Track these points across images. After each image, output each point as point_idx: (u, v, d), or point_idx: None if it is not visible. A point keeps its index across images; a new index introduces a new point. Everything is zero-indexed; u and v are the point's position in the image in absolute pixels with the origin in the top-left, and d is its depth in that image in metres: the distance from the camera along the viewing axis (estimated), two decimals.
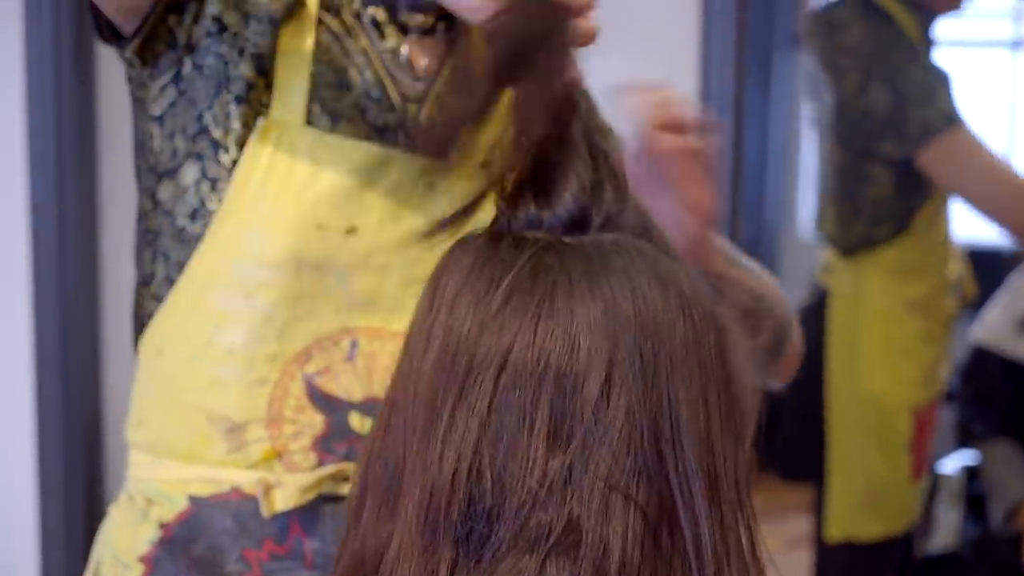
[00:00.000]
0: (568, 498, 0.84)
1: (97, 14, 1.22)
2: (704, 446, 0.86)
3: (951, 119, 2.52)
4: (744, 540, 0.88)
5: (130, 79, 1.26)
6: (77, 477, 2.54)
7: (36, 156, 2.48)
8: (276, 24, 1.21)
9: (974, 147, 2.55)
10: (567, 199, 0.91)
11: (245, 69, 1.21)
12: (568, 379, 0.84)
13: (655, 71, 2.46)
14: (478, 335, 0.86)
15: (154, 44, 1.22)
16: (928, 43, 2.63)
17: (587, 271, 0.87)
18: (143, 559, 1.24)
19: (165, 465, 1.24)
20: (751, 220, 4.88)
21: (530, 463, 0.84)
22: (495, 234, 0.91)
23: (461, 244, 0.93)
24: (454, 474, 0.85)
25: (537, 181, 0.92)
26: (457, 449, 0.85)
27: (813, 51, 2.72)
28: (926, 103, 2.52)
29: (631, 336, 0.85)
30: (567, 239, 0.90)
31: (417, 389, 0.88)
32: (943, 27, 2.71)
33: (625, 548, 0.83)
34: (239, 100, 1.21)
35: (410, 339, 0.91)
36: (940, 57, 2.67)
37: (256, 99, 1.21)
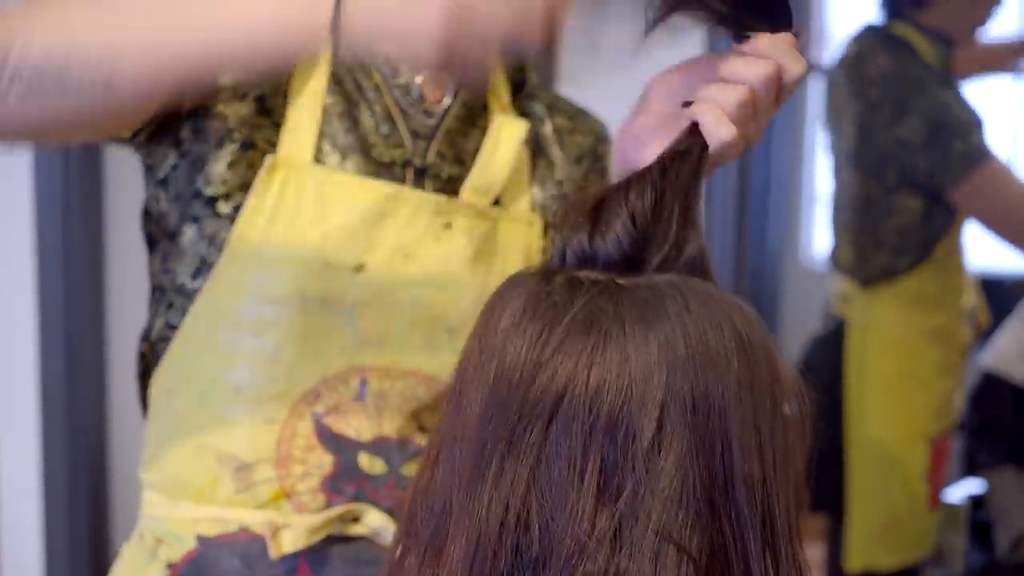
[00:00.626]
0: (618, 550, 0.82)
1: None
2: (758, 491, 0.85)
3: (986, 152, 2.53)
4: None
5: (142, 157, 1.26)
6: (82, 514, 2.54)
7: (42, 186, 2.48)
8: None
9: (1009, 180, 2.55)
10: (624, 237, 0.90)
11: (246, 112, 1.20)
12: (620, 427, 0.83)
13: None
14: (530, 380, 0.84)
15: (163, 123, 1.21)
16: (948, 72, 2.63)
17: (641, 317, 0.85)
18: None
19: (178, 505, 1.23)
20: (755, 248, 4.86)
21: (579, 514, 0.82)
22: (547, 273, 0.89)
23: (512, 282, 0.91)
24: (502, 524, 0.83)
25: (595, 218, 0.90)
26: (505, 498, 0.84)
27: (836, 83, 2.72)
28: (964, 135, 2.52)
29: (685, 383, 0.84)
30: (621, 281, 0.88)
31: (465, 432, 0.87)
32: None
33: None
34: (246, 146, 1.20)
35: (459, 378, 0.90)
36: (966, 88, 2.68)
37: (263, 140, 1.20)
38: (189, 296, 1.22)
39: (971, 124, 2.54)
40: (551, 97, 1.36)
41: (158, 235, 1.25)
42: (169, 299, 1.24)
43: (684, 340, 0.84)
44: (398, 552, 0.91)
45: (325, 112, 1.21)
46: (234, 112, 1.20)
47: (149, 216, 1.26)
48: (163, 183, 1.23)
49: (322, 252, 1.18)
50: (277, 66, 1.03)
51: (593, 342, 0.84)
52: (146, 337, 1.28)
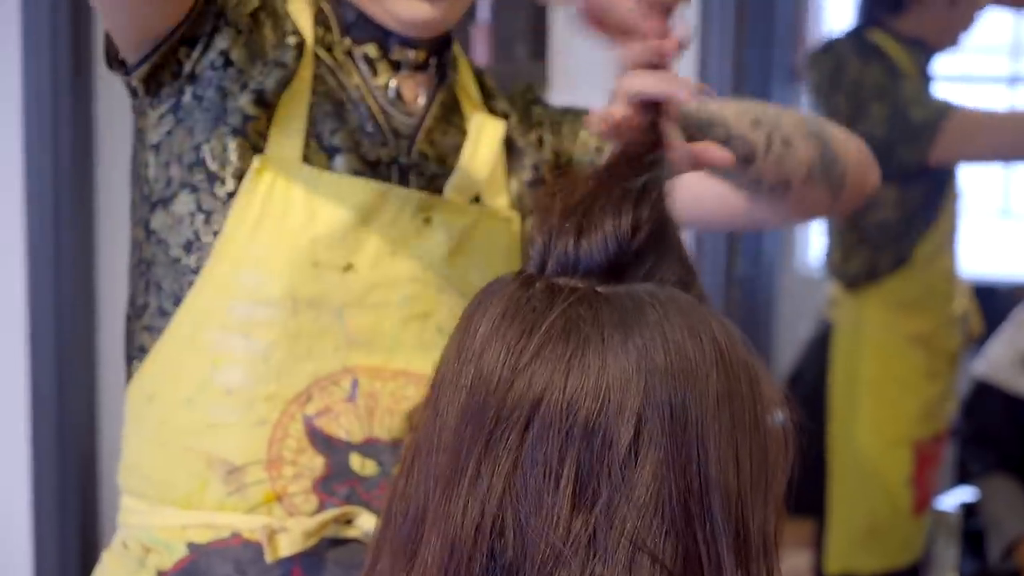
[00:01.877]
0: (592, 557, 0.82)
1: (108, 42, 1.22)
2: (733, 503, 0.84)
3: (948, 105, 2.58)
4: None
5: (133, 107, 1.26)
6: (71, 515, 2.53)
7: (33, 194, 2.47)
8: (284, 67, 1.22)
9: (978, 115, 2.61)
10: (605, 244, 0.89)
11: (245, 102, 1.20)
12: (597, 434, 0.83)
13: None
14: (508, 386, 0.84)
15: (160, 73, 1.21)
16: (926, 80, 2.65)
17: (621, 324, 0.85)
18: None
19: (161, 512, 1.22)
20: (749, 254, 4.86)
21: (554, 520, 0.82)
22: (527, 279, 0.89)
23: (492, 288, 0.91)
24: (477, 528, 0.83)
25: (577, 224, 0.89)
26: (481, 502, 0.83)
27: (810, 89, 2.75)
28: (921, 104, 2.58)
29: (663, 392, 0.83)
30: (601, 289, 0.88)
31: (442, 436, 0.87)
32: (940, 63, 2.73)
33: None
34: (235, 132, 1.20)
35: (437, 383, 0.90)
36: (939, 92, 2.70)
37: (255, 132, 1.21)
38: (182, 273, 1.21)
39: (926, 95, 2.59)
40: (506, 97, 1.37)
41: (140, 201, 1.25)
42: (157, 277, 1.23)
43: (663, 348, 0.84)
44: (373, 547, 0.91)
45: (312, 111, 1.22)
46: (235, 96, 1.20)
47: (136, 180, 1.26)
48: (156, 148, 1.23)
49: (312, 253, 1.18)
50: None
51: (571, 349, 0.84)
52: (138, 316, 1.26)
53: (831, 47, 2.72)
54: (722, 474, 0.84)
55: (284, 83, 1.22)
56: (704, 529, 0.83)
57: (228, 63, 1.21)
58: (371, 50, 1.26)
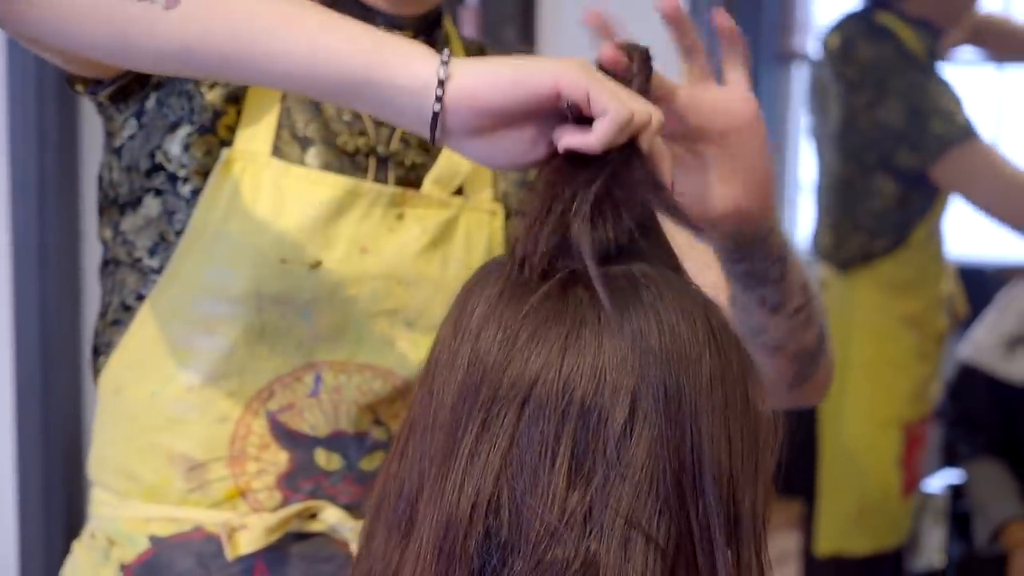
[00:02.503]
0: (587, 534, 0.82)
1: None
2: (725, 483, 0.85)
3: (969, 131, 2.55)
4: None
5: (98, 110, 1.23)
6: (56, 508, 2.53)
7: (17, 193, 2.46)
8: None
9: (992, 157, 2.58)
10: (599, 228, 0.89)
11: (214, 98, 1.17)
12: (592, 413, 0.83)
13: None
14: (504, 365, 0.85)
15: (126, 88, 1.18)
16: (933, 59, 2.64)
17: (616, 304, 0.85)
18: None
19: (127, 504, 1.21)
20: None
21: (550, 498, 0.83)
22: (524, 260, 0.89)
23: (489, 268, 0.91)
24: (473, 506, 0.83)
25: (575, 208, 0.89)
26: (477, 481, 0.84)
27: (820, 70, 2.73)
28: (945, 115, 2.55)
29: (657, 371, 0.84)
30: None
31: (438, 416, 0.87)
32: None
33: None
34: (203, 130, 1.17)
35: (432, 363, 0.90)
36: (947, 73, 2.69)
37: (224, 127, 1.18)
38: (145, 274, 1.20)
39: (952, 105, 2.56)
40: None
41: (105, 205, 1.23)
42: (123, 275, 1.21)
43: (658, 329, 0.85)
44: (367, 528, 0.91)
45: (284, 101, 1.19)
46: (202, 94, 1.17)
47: (101, 183, 1.23)
48: (118, 152, 1.20)
49: (279, 250, 1.15)
50: (333, 99, 0.96)
51: (567, 329, 0.85)
52: (104, 314, 1.25)
53: (839, 28, 2.71)
54: (715, 454, 0.84)
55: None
56: (696, 508, 0.84)
57: None
58: None
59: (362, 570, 0.90)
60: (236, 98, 1.18)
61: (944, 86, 2.59)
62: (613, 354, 0.84)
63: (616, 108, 0.86)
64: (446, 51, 0.89)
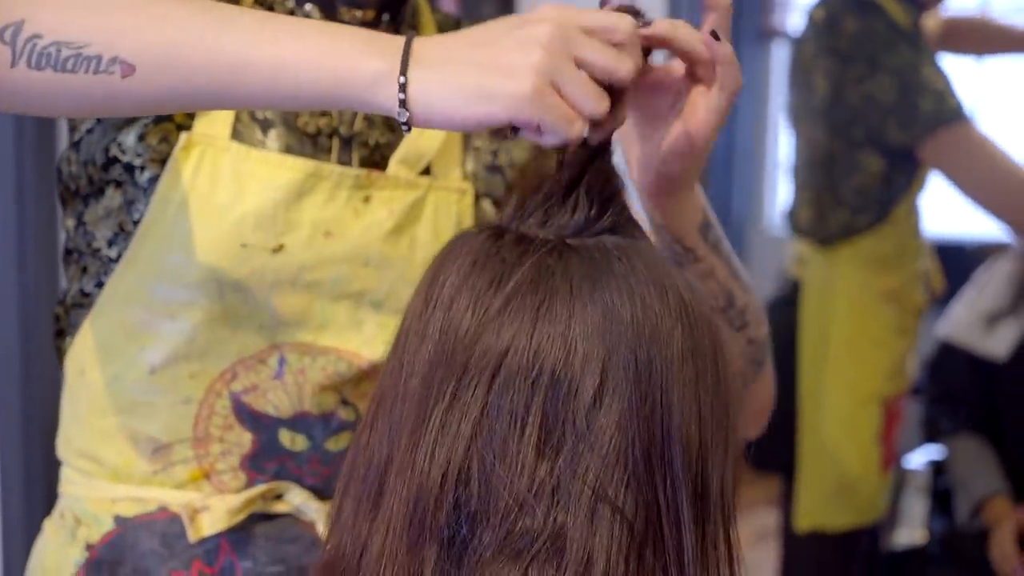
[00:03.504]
0: (555, 505, 0.83)
1: None
2: (694, 456, 0.85)
3: (960, 112, 2.55)
4: (726, 552, 0.87)
5: None
6: (37, 483, 2.52)
7: None
8: None
9: (981, 141, 2.57)
10: (575, 202, 0.90)
11: None
12: (562, 384, 0.83)
13: None
14: (476, 336, 0.85)
15: None
16: (919, 34, 2.64)
17: (589, 275, 0.86)
18: None
19: (94, 484, 1.21)
20: (718, 214, 4.87)
21: (519, 467, 0.83)
22: (496, 231, 0.90)
23: (461, 239, 0.91)
24: (443, 476, 0.84)
25: (548, 184, 0.90)
26: (448, 451, 0.84)
27: (804, 44, 2.72)
28: (936, 93, 2.54)
29: (628, 343, 0.84)
30: (570, 241, 0.89)
31: (408, 386, 0.87)
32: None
33: (609, 559, 0.82)
34: (159, 118, 1.16)
35: (403, 333, 0.90)
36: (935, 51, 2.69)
37: (182, 113, 1.15)
38: (104, 263, 1.19)
39: (943, 84, 2.56)
40: None
41: (68, 196, 1.21)
42: (84, 263, 1.21)
43: (629, 301, 0.85)
44: (337, 500, 0.91)
45: None
46: None
47: (60, 175, 1.22)
48: (76, 145, 1.19)
49: (239, 234, 1.14)
50: (309, 106, 0.95)
51: (540, 299, 0.85)
52: (61, 301, 1.24)
53: (824, 3, 2.70)
54: (684, 427, 0.84)
55: None
56: (665, 481, 0.84)
57: None
58: (314, 11, 1.19)
59: (332, 542, 0.90)
60: None
61: (934, 63, 2.59)
62: (584, 325, 0.84)
63: (565, 133, 0.87)
64: (399, 59, 0.88)
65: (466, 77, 0.87)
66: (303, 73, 0.90)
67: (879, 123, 2.57)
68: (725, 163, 4.89)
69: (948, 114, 2.53)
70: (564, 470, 0.83)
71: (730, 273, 1.15)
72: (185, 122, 1.16)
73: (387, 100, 0.88)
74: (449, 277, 0.88)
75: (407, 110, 0.87)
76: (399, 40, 0.90)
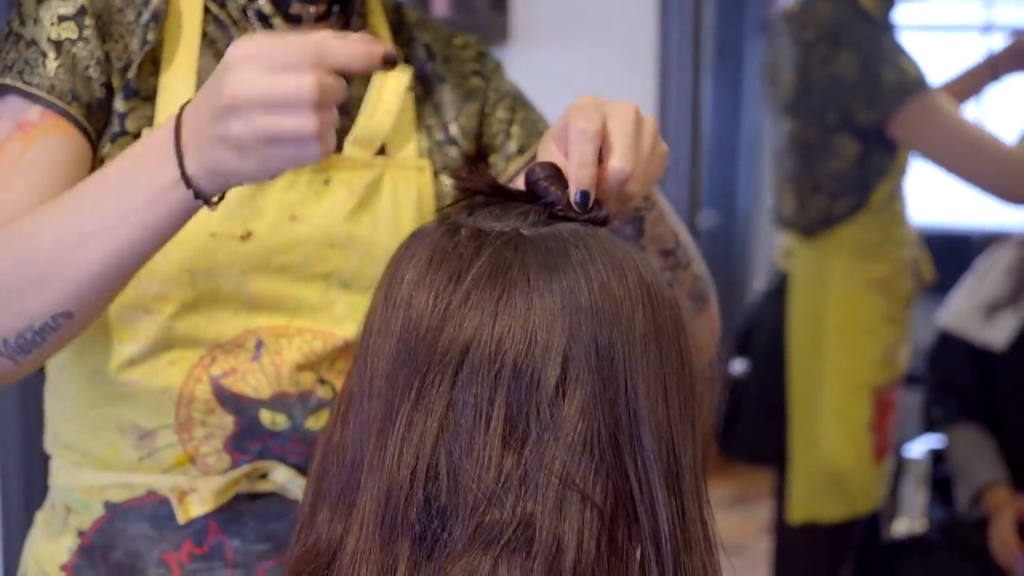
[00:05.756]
0: (523, 496, 0.83)
1: None
2: (663, 436, 0.86)
3: (922, 84, 2.57)
4: (701, 531, 0.88)
5: None
6: (37, 476, 2.53)
7: None
8: (146, 43, 1.18)
9: (946, 110, 2.59)
10: (531, 191, 0.91)
11: (117, 105, 1.17)
12: (525, 375, 0.84)
13: (614, 60, 2.45)
14: (437, 331, 0.86)
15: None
16: (889, 20, 2.66)
17: (546, 265, 0.86)
18: (64, 568, 1.23)
19: (82, 473, 1.23)
20: (722, 206, 4.88)
21: (486, 460, 0.84)
22: (453, 226, 0.90)
23: (418, 236, 0.92)
24: (412, 473, 0.85)
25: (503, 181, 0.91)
26: (416, 448, 0.85)
27: (779, 35, 2.74)
28: (897, 69, 2.57)
29: (589, 329, 0.85)
30: (525, 231, 0.89)
31: (373, 384, 0.88)
32: (915, 11, 2.73)
33: (580, 545, 0.83)
34: (115, 136, 1.17)
35: (366, 332, 0.90)
36: (906, 40, 2.71)
37: (135, 123, 1.17)
38: None
39: (903, 59, 2.58)
40: (432, 33, 1.32)
41: None
42: None
43: (588, 288, 0.86)
44: (309, 498, 0.92)
45: (200, 76, 1.18)
46: (116, 110, 1.17)
47: None
48: None
49: (207, 225, 1.16)
50: (181, 223, 1.03)
51: (499, 292, 0.85)
52: None
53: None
54: (651, 409, 0.85)
55: (153, 61, 1.18)
56: (636, 464, 0.85)
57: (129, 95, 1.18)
58: (265, 6, 1.21)
59: (307, 542, 0.91)
60: (135, 91, 1.17)
61: (896, 42, 2.62)
62: (544, 315, 0.85)
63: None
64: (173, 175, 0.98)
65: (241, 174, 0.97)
66: (131, 231, 1.01)
67: (847, 103, 2.59)
68: (729, 157, 4.89)
69: (912, 85, 2.56)
70: (531, 461, 0.83)
71: (669, 212, 1.19)
72: (140, 128, 1.17)
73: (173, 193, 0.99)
74: (408, 274, 0.88)
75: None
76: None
